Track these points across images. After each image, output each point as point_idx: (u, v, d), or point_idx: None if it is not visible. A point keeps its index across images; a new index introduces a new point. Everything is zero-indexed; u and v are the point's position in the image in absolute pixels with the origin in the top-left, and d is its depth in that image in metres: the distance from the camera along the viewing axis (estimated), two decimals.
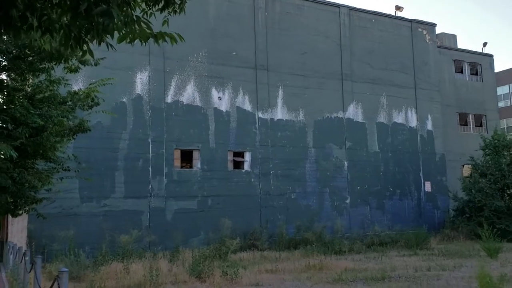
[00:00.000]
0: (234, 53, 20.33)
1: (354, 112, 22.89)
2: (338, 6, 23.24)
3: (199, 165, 19.17)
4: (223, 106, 19.90)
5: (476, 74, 31.05)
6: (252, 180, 20.03)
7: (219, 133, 19.59)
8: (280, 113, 21.07)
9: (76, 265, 11.45)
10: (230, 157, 19.86)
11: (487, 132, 29.96)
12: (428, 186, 24.44)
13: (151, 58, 18.50)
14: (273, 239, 18.75)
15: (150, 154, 18.15)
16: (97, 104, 8.54)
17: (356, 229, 21.09)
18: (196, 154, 19.28)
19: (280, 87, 21.20)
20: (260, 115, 20.57)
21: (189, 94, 19.30)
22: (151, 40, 3.52)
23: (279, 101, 21.12)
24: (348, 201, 22.04)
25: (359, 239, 19.42)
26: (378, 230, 19.95)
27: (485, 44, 31.62)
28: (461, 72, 30.42)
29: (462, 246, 17.34)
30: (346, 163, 22.27)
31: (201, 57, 19.64)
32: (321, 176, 21.55)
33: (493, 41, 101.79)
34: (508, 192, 20.28)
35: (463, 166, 28.73)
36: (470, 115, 30.15)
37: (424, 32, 25.85)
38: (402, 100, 24.37)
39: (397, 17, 25.14)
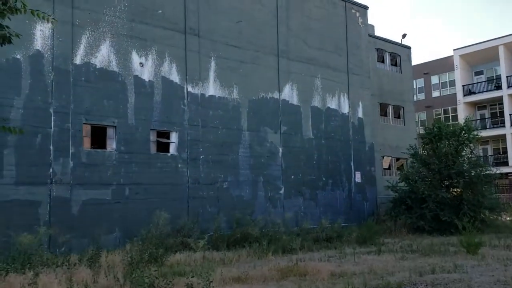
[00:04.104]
0: (160, 11, 16.76)
1: (289, 93, 20.59)
2: None
3: (114, 146, 15.35)
4: (146, 74, 16.26)
5: (396, 65, 30.79)
6: (179, 166, 16.69)
7: (140, 107, 15.94)
8: (212, 88, 17.96)
9: None
10: (153, 137, 16.31)
11: (404, 124, 29.90)
12: (358, 177, 23.11)
13: (56, 5, 14.26)
14: (205, 235, 15.64)
15: (52, 129, 13.95)
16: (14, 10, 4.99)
17: (290, 222, 18.82)
18: (110, 132, 15.43)
19: (213, 58, 18.08)
20: (190, 89, 17.27)
21: (104, 56, 15.36)
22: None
23: (212, 74, 18.00)
24: (282, 191, 19.70)
25: (299, 233, 17.21)
26: (323, 224, 17.78)
27: (404, 36, 31.59)
28: (383, 61, 29.91)
29: (415, 240, 15.92)
30: (280, 150, 19.89)
31: (119, 12, 15.79)
32: (255, 163, 18.90)
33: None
34: (446, 183, 19.47)
35: (383, 157, 28.17)
36: (390, 106, 29.77)
37: (357, 14, 24.48)
38: (335, 84, 22.66)
39: None
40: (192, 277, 7.51)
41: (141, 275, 7.53)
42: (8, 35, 5.37)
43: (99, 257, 10.77)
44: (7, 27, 5.36)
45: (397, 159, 28.52)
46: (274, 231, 16.03)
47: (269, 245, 13.76)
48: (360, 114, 23.72)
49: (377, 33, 29.52)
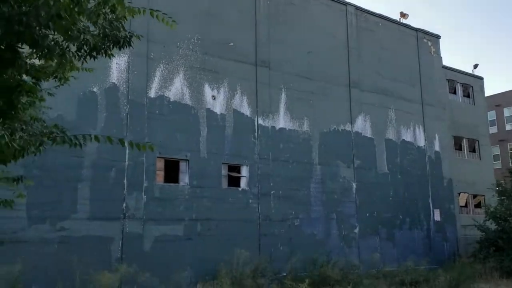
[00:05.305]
0: (232, 43, 16.52)
1: (362, 125, 19.59)
2: (345, 4, 20.20)
3: (187, 180, 14.89)
4: (218, 107, 15.89)
5: (468, 96, 29.07)
6: (250, 201, 15.96)
7: (212, 141, 15.50)
8: (282, 120, 17.32)
9: None
10: (224, 171, 15.75)
11: (480, 159, 27.81)
12: (437, 215, 21.40)
13: (132, 38, 14.22)
14: (278, 276, 14.64)
15: (126, 163, 13.69)
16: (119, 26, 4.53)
17: (366, 263, 17.45)
18: (183, 166, 15.01)
19: (283, 90, 17.54)
20: (260, 121, 16.71)
21: (177, 88, 15.16)
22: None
23: (282, 106, 17.41)
24: (357, 230, 18.41)
25: (380, 276, 15.83)
26: (407, 266, 16.31)
27: (476, 66, 29.84)
28: (454, 93, 28.31)
29: None
30: (354, 185, 18.75)
31: (192, 45, 15.65)
32: (327, 199, 17.85)
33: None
34: None
35: (459, 194, 26.16)
36: (465, 139, 27.86)
37: (429, 43, 23.39)
38: (410, 116, 21.44)
39: (404, 24, 22.52)
40: None
41: None
42: (129, 36, 4.87)
43: None
44: (125, 29, 4.88)
45: (474, 196, 26.40)
46: (354, 274, 14.77)
47: None
48: (436, 148, 22.23)
49: (445, 63, 28.11)
